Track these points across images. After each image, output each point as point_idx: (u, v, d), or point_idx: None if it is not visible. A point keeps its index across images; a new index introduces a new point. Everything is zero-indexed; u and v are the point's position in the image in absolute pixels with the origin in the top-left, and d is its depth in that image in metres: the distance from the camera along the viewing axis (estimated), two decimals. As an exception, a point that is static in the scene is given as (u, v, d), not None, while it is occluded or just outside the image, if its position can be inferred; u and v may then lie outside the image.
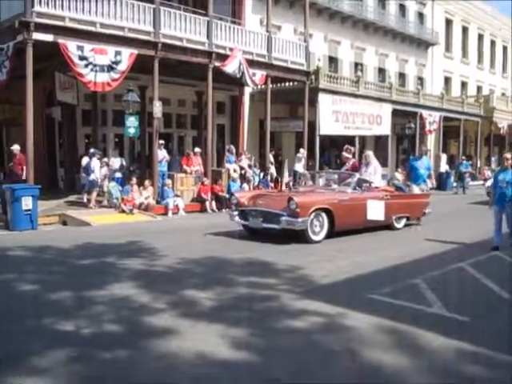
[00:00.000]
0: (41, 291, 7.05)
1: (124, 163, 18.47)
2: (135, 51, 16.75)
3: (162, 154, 18.41)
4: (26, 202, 13.22)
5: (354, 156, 16.31)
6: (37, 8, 15.05)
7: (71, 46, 15.42)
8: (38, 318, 5.88)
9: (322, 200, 11.45)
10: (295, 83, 23.98)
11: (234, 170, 19.72)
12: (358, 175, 12.76)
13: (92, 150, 17.72)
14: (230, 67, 19.37)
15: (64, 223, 14.99)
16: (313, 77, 23.82)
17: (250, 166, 20.86)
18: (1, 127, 24.26)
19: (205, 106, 20.93)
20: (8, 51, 15.53)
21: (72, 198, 18.06)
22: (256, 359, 4.84)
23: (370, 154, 14.36)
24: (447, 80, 40.07)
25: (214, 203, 18.28)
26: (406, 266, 8.84)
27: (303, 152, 22.52)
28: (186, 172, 18.95)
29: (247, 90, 24.59)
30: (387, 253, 10.02)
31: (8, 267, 8.49)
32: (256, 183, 20.61)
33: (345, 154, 14.89)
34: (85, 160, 17.77)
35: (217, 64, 19.20)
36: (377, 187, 13.21)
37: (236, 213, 11.95)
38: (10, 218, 13.31)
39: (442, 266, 8.74)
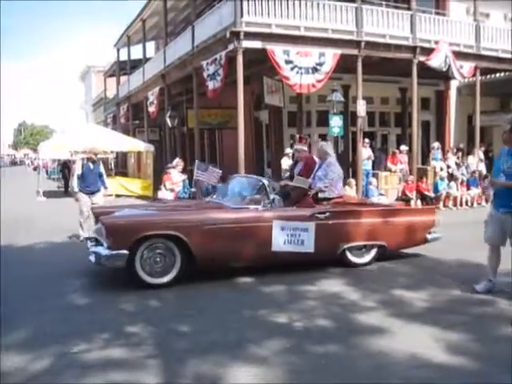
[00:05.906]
0: (256, 284, 7.46)
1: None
2: (339, 51, 16.90)
3: (366, 153, 18.38)
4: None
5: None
6: (246, 18, 15.97)
7: (278, 50, 16.06)
8: (254, 309, 6.23)
9: (163, 221, 7.47)
10: (506, 73, 22.31)
11: (441, 168, 18.94)
12: (265, 182, 8.25)
13: (288, 150, 18.21)
14: (436, 61, 18.62)
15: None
16: (529, 66, 21.94)
17: (457, 164, 19.86)
18: (214, 131, 26.21)
19: (409, 103, 20.41)
20: (221, 60, 16.69)
21: (279, 196, 18.77)
22: (474, 366, 4.59)
23: (324, 145, 9.72)
24: None
25: (419, 202, 17.72)
26: None
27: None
28: (390, 170, 18.67)
29: (453, 84, 23.44)
30: None
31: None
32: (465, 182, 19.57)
33: (298, 146, 9.90)
34: (284, 161, 18.30)
35: (421, 59, 18.58)
36: (329, 198, 8.85)
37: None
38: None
39: None
